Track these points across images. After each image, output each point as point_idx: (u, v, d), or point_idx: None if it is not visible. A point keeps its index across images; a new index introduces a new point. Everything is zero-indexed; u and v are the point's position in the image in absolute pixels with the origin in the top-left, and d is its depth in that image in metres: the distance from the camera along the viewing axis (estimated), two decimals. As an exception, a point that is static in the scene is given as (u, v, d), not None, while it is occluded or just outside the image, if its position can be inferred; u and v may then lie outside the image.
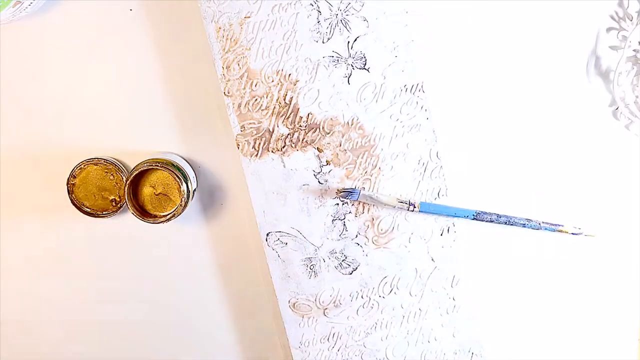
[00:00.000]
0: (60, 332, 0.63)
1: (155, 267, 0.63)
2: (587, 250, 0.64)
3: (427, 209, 0.59)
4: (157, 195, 0.59)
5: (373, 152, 0.59)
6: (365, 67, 0.58)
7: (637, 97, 0.61)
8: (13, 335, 0.63)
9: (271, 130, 0.58)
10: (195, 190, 0.61)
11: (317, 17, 0.57)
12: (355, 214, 0.59)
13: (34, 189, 0.61)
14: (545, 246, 0.64)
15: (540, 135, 0.63)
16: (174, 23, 0.59)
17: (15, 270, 0.62)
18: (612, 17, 0.62)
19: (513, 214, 0.62)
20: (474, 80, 0.62)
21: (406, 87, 0.58)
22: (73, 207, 0.60)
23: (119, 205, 0.60)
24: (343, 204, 0.59)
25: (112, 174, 0.60)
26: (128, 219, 0.62)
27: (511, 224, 0.61)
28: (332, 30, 0.57)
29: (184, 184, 0.57)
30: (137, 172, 0.57)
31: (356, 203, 0.59)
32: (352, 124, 0.58)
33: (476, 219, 0.60)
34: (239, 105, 0.58)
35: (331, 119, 0.58)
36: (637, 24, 0.60)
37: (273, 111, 0.58)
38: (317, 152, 0.58)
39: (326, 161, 0.59)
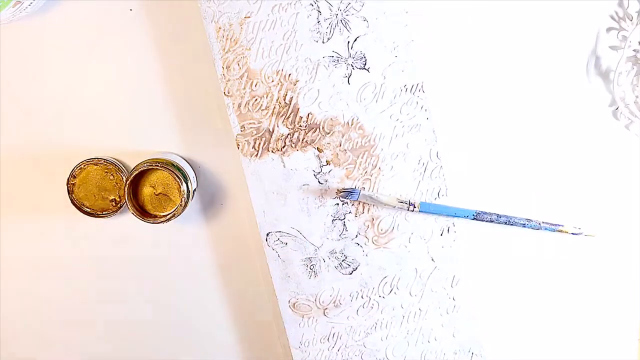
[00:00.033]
0: (60, 332, 0.63)
1: (155, 267, 0.63)
2: (587, 250, 0.64)
3: (427, 209, 0.59)
4: (157, 195, 0.59)
5: (373, 152, 0.59)
6: (365, 67, 0.58)
7: (637, 97, 0.61)
8: (13, 335, 0.63)
9: (271, 130, 0.58)
10: (195, 190, 0.61)
11: (317, 17, 0.57)
12: (355, 214, 0.59)
13: (34, 189, 0.61)
14: (545, 246, 0.64)
15: (540, 135, 0.63)
16: (174, 23, 0.59)
17: (15, 270, 0.62)
18: (612, 17, 0.62)
19: (513, 214, 0.62)
20: (474, 80, 0.62)
21: (406, 87, 0.58)
22: (73, 207, 0.60)
23: (119, 205, 0.60)
24: (343, 204, 0.59)
25: (112, 174, 0.60)
26: (128, 219, 0.62)
27: (511, 224, 0.61)
28: (332, 30, 0.57)
29: (184, 184, 0.57)
30: (137, 172, 0.57)
31: (356, 203, 0.59)
32: (352, 124, 0.58)
33: (476, 219, 0.60)
34: (239, 105, 0.58)
35: (331, 119, 0.58)
36: (637, 24, 0.60)
37: (273, 111, 0.58)
38: (317, 152, 0.58)
39: (326, 161, 0.59)
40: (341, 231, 0.59)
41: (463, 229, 0.62)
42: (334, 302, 0.61)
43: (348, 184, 0.59)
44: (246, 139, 0.58)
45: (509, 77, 0.62)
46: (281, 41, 0.57)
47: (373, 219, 0.59)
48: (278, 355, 0.65)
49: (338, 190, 0.58)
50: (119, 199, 0.60)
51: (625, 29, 0.61)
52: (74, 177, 0.60)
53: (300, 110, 0.58)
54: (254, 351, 0.65)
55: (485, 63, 0.61)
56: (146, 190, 0.59)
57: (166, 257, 0.63)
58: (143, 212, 0.58)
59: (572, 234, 0.62)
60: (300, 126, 0.58)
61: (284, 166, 0.58)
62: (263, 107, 0.58)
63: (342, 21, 0.57)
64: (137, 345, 0.64)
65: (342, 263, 0.60)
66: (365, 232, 0.60)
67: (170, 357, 0.64)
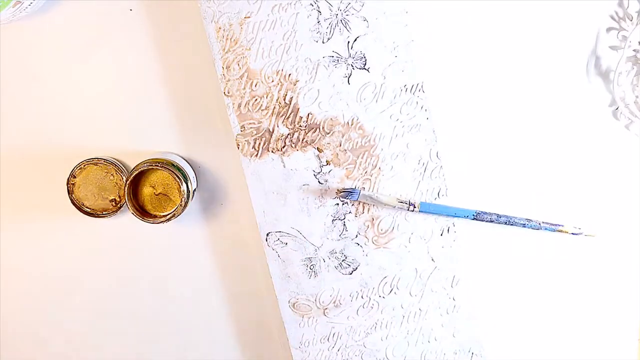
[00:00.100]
0: (60, 332, 0.63)
1: (155, 267, 0.63)
2: (587, 250, 0.64)
3: (427, 209, 0.59)
4: (157, 195, 0.59)
5: (373, 152, 0.59)
6: (365, 67, 0.58)
7: (637, 97, 0.61)
8: (13, 335, 0.63)
9: (271, 130, 0.58)
10: (195, 190, 0.61)
11: (317, 17, 0.57)
12: (355, 214, 0.59)
13: (34, 189, 0.61)
14: (545, 246, 0.64)
15: (540, 135, 0.63)
16: (174, 23, 0.59)
17: (15, 270, 0.62)
18: (612, 17, 0.62)
19: (513, 214, 0.62)
20: (474, 80, 0.62)
21: (406, 87, 0.58)
22: (73, 207, 0.60)
23: (119, 205, 0.60)
24: (343, 204, 0.59)
25: (112, 174, 0.60)
26: (128, 219, 0.62)
27: (511, 224, 0.61)
28: (332, 30, 0.57)
29: (184, 184, 0.57)
30: (137, 172, 0.57)
31: (356, 203, 0.59)
32: (352, 124, 0.58)
33: (476, 219, 0.60)
34: (239, 106, 0.58)
35: (331, 119, 0.58)
36: (637, 24, 0.60)
37: (273, 111, 0.58)
38: (317, 152, 0.58)
39: (326, 161, 0.59)
40: (341, 231, 0.59)
41: (463, 229, 0.62)
42: (334, 302, 0.61)
43: (348, 184, 0.59)
44: (246, 139, 0.58)
45: (509, 77, 0.62)
46: (281, 41, 0.57)
47: (373, 219, 0.59)
48: (278, 355, 0.64)
49: (338, 190, 0.58)
50: (119, 199, 0.60)
51: (625, 29, 0.61)
52: (74, 177, 0.60)
53: (300, 110, 0.58)
54: (254, 351, 0.65)
55: (485, 63, 0.61)
56: (146, 190, 0.59)
57: (166, 257, 0.63)
58: (143, 212, 0.58)
59: (572, 234, 0.62)
60: (300, 126, 0.58)
61: (284, 166, 0.58)
62: (263, 107, 0.58)
63: (342, 21, 0.57)
64: (137, 345, 0.64)
65: (342, 263, 0.60)
66: (365, 232, 0.60)
67: (170, 357, 0.64)
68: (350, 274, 0.60)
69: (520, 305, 0.65)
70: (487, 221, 0.61)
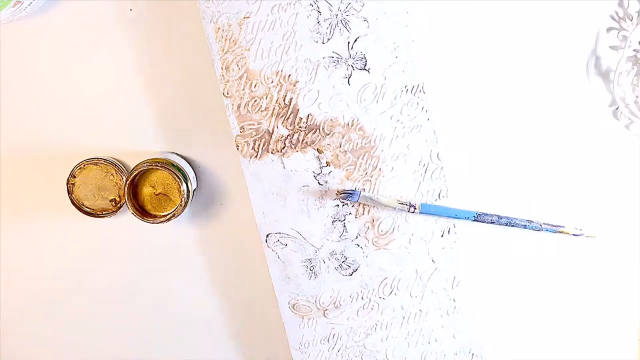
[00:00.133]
0: (60, 332, 0.64)
1: (155, 267, 0.63)
2: (588, 251, 0.64)
3: (427, 210, 0.59)
4: (157, 195, 0.59)
5: (373, 153, 0.59)
6: (366, 67, 0.58)
7: (637, 97, 0.61)
8: (13, 335, 0.63)
9: (271, 131, 0.58)
10: (195, 190, 0.61)
11: (317, 17, 0.57)
12: (356, 215, 0.59)
13: (34, 189, 0.61)
14: (546, 247, 0.64)
15: (540, 135, 0.63)
16: (173, 23, 0.59)
17: (15, 270, 0.62)
18: (612, 17, 0.61)
19: (514, 215, 0.62)
20: (475, 80, 0.61)
21: (407, 87, 0.58)
22: (73, 207, 0.60)
23: (118, 205, 0.60)
24: (343, 205, 0.59)
25: (112, 174, 0.60)
26: (128, 219, 0.62)
27: (512, 225, 0.61)
28: (332, 30, 0.57)
29: (184, 184, 0.57)
30: (137, 172, 0.57)
31: (356, 204, 0.59)
32: (352, 125, 0.58)
33: (477, 220, 0.60)
34: (239, 106, 0.57)
35: (331, 120, 0.58)
36: (637, 24, 0.60)
37: (273, 112, 0.58)
38: (317, 153, 0.58)
39: (326, 162, 0.59)
40: (341, 232, 0.59)
41: (464, 230, 0.62)
42: (334, 303, 0.60)
43: (348, 185, 0.59)
44: (245, 140, 0.58)
45: (510, 77, 0.62)
46: (281, 42, 0.57)
47: (373, 220, 0.59)
48: (278, 356, 0.65)
49: (338, 191, 0.58)
50: (119, 199, 0.60)
51: (625, 29, 0.61)
52: (74, 177, 0.60)
53: (300, 111, 0.58)
54: (254, 351, 0.65)
55: (485, 63, 0.61)
56: (146, 190, 0.59)
57: (166, 257, 0.63)
58: (143, 212, 0.58)
59: (573, 235, 0.62)
60: (300, 127, 0.58)
61: (284, 167, 0.58)
62: (262, 108, 0.58)
63: (342, 21, 0.57)
64: (137, 345, 0.64)
65: (342, 264, 0.60)
66: (366, 233, 0.59)
67: (169, 357, 0.64)
68: (351, 275, 0.60)
69: (521, 306, 0.65)
70: (488, 222, 0.61)
